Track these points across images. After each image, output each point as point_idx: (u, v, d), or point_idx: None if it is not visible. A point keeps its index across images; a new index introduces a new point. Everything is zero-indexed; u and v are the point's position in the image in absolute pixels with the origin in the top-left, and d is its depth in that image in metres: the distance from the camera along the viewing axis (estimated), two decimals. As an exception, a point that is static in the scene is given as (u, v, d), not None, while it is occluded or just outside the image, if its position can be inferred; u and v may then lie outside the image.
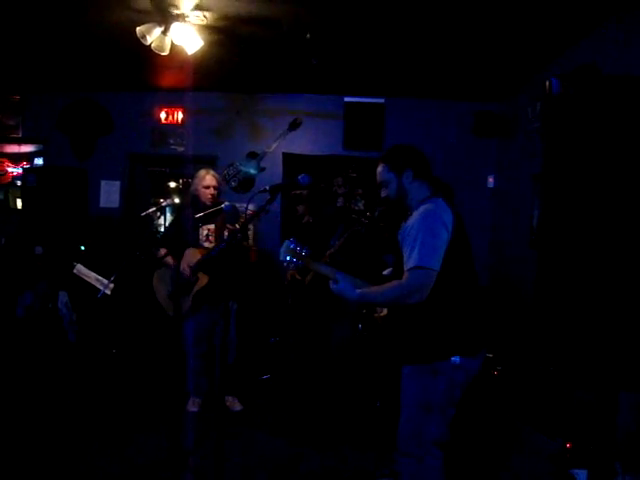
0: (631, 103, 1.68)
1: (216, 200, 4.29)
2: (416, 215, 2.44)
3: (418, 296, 2.31)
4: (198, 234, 4.29)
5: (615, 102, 1.70)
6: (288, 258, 2.39)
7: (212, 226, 4.29)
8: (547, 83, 1.61)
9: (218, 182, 4.36)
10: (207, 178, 4.29)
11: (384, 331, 3.11)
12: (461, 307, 2.44)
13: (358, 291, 2.40)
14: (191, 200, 4.41)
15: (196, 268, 4.12)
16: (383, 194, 2.66)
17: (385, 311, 2.72)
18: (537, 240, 4.74)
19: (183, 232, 4.27)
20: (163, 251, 4.29)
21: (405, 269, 2.36)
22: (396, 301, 2.43)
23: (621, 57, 3.67)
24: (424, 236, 2.34)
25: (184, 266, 4.13)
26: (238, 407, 4.53)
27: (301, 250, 2.39)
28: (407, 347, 2.52)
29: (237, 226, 3.93)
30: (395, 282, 2.46)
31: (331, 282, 2.41)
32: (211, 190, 4.26)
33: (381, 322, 2.85)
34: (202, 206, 4.26)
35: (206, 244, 4.26)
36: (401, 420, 2.51)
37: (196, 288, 4.17)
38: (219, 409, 4.17)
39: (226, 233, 3.99)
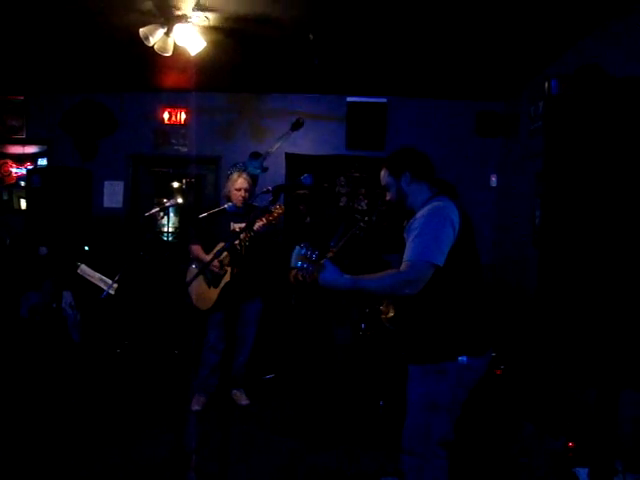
0: (634, 104, 1.68)
1: (247, 202, 4.38)
2: (423, 211, 2.45)
3: (412, 288, 2.31)
4: (230, 233, 4.34)
5: (618, 103, 1.70)
6: (299, 264, 2.38)
7: (243, 225, 4.34)
8: (546, 83, 1.62)
9: (250, 184, 4.43)
10: (239, 181, 4.37)
11: (391, 332, 3.10)
12: (469, 306, 2.45)
13: (348, 277, 2.38)
14: (226, 200, 4.47)
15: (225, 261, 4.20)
16: (387, 197, 2.70)
17: (392, 313, 2.72)
18: (539, 239, 4.74)
19: (216, 230, 4.33)
20: (197, 247, 4.35)
21: (404, 259, 2.36)
22: (389, 290, 2.42)
23: (624, 57, 3.67)
24: (428, 230, 2.35)
25: (215, 260, 4.19)
26: (245, 401, 4.61)
27: (312, 254, 2.39)
28: (414, 347, 2.53)
29: (264, 220, 4.02)
30: (392, 271, 2.47)
31: (319, 273, 2.39)
32: (242, 192, 4.35)
33: (388, 323, 2.86)
34: (232, 207, 4.34)
35: (236, 241, 4.31)
36: (407, 419, 2.52)
37: (224, 281, 4.24)
38: (224, 407, 4.18)
39: (259, 224, 4.04)
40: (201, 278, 4.36)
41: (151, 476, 3.37)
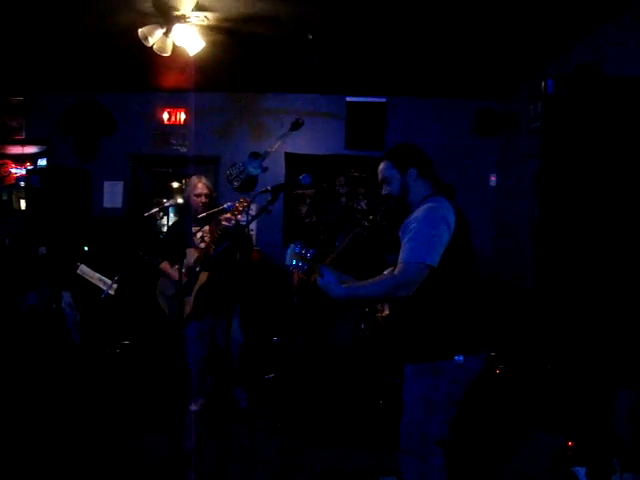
0: (631, 104, 1.68)
1: (207, 208, 4.30)
2: (418, 211, 2.44)
3: (407, 290, 2.31)
4: (193, 238, 4.33)
5: (616, 102, 1.70)
6: (294, 262, 2.40)
7: (206, 228, 4.32)
8: (542, 83, 1.62)
9: (210, 190, 4.40)
10: (198, 186, 4.32)
11: (387, 331, 3.10)
12: (464, 305, 2.44)
13: (343, 287, 2.39)
14: (185, 205, 4.46)
15: (196, 268, 4.16)
16: (385, 191, 2.65)
17: (387, 311, 2.72)
18: (536, 239, 4.74)
19: (181, 238, 4.30)
20: (160, 259, 4.32)
21: (399, 261, 2.36)
22: (385, 294, 2.42)
23: (623, 56, 3.67)
24: (423, 231, 2.34)
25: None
26: (245, 402, 4.62)
27: (306, 253, 2.40)
28: (410, 346, 2.52)
29: (229, 215, 3.93)
30: (386, 275, 2.47)
31: (318, 277, 2.41)
32: (202, 198, 4.30)
33: (383, 322, 2.86)
34: (194, 213, 4.32)
35: (202, 245, 4.29)
36: (403, 419, 2.52)
37: (197, 287, 4.20)
38: (223, 408, 4.19)
39: (225, 223, 3.98)
40: (165, 290, 4.32)
41: (150, 476, 3.37)
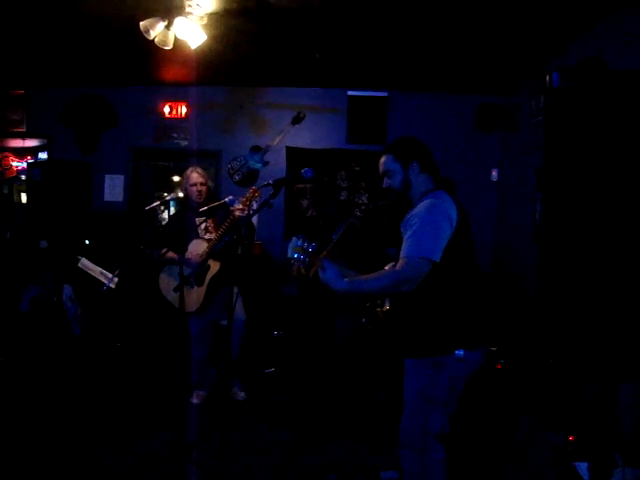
0: (635, 98, 1.68)
1: (205, 196, 4.36)
2: (421, 206, 2.43)
3: (410, 285, 2.30)
4: (197, 229, 4.35)
5: (619, 96, 1.70)
6: (296, 255, 2.40)
7: (210, 219, 4.34)
8: (547, 77, 1.61)
9: (205, 179, 4.42)
10: (193, 176, 4.36)
11: (387, 325, 3.10)
12: (464, 300, 2.44)
13: (346, 280, 2.38)
14: (185, 198, 4.51)
15: (206, 258, 4.17)
16: (386, 184, 2.63)
17: (387, 306, 2.72)
18: (539, 233, 4.73)
19: (182, 229, 4.31)
20: (164, 250, 4.27)
21: (401, 255, 2.35)
22: (388, 289, 2.43)
23: (626, 51, 3.65)
24: (425, 226, 2.33)
25: (194, 255, 4.18)
26: (242, 396, 4.60)
27: (308, 246, 2.40)
28: (410, 341, 2.52)
29: (240, 205, 3.95)
30: (388, 270, 2.47)
31: (320, 271, 2.41)
32: (198, 187, 4.34)
33: (383, 316, 2.86)
34: (194, 204, 4.35)
35: (207, 236, 4.30)
36: (404, 413, 2.52)
37: (209, 275, 4.22)
38: (224, 400, 4.19)
39: (239, 214, 3.99)
40: (172, 283, 4.25)
41: (151, 469, 3.37)
